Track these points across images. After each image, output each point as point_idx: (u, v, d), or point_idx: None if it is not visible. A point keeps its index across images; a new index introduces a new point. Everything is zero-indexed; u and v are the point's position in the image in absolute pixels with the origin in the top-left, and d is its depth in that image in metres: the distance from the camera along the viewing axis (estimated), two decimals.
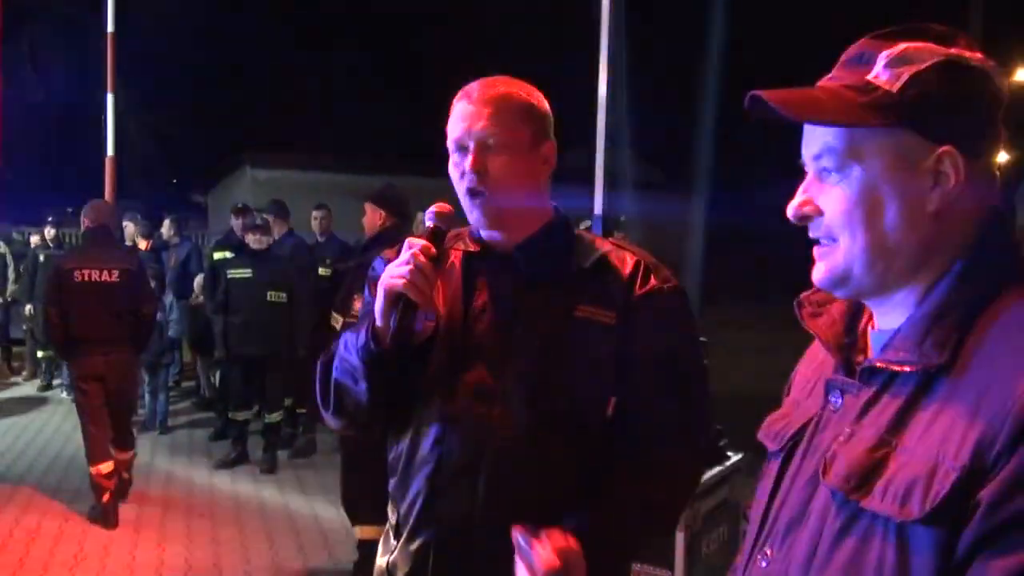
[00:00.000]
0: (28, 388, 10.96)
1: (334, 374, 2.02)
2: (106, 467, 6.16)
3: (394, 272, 1.84)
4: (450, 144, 1.98)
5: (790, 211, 1.24)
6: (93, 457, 6.16)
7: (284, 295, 7.70)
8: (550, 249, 2.01)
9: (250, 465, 7.74)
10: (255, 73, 28.72)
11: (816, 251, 1.23)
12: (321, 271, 8.37)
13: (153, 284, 8.77)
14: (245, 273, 7.73)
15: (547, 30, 23.41)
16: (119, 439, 6.39)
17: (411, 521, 1.99)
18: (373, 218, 5.50)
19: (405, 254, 1.86)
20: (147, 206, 16.87)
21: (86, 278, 6.15)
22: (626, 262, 2.00)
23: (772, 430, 1.40)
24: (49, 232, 11.23)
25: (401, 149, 24.35)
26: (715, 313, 12.04)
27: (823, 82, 1.23)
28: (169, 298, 9.05)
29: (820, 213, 1.20)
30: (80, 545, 5.83)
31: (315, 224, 9.12)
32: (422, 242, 1.88)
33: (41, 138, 23.93)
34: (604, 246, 2.05)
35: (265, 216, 8.64)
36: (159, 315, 8.70)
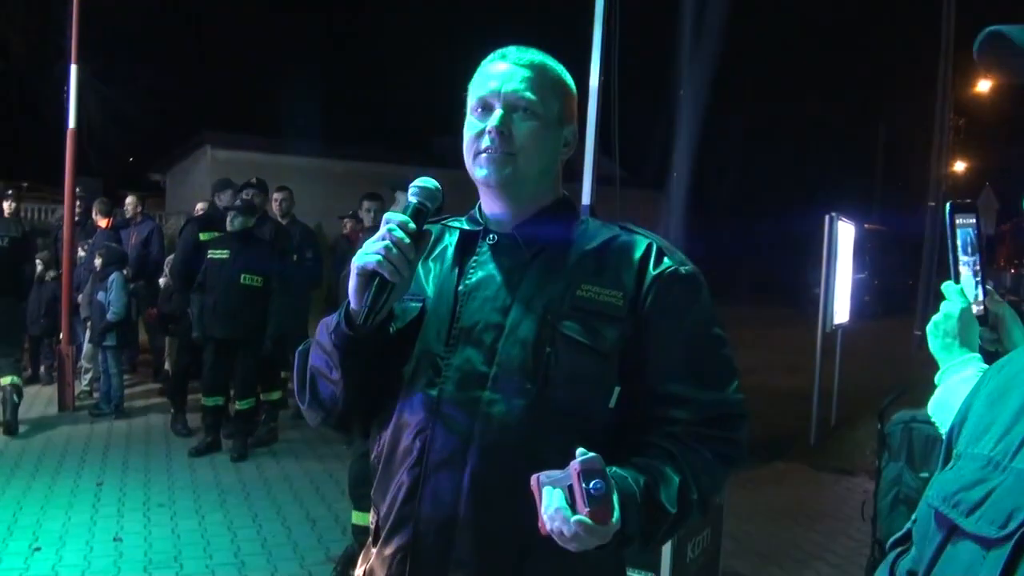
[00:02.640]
0: None
1: (310, 362, 1.84)
2: None
3: (368, 248, 1.67)
4: (472, 102, 1.81)
5: None
6: None
7: (259, 279, 7.50)
8: (554, 228, 1.84)
9: (209, 453, 7.60)
10: (216, 52, 28.32)
11: None
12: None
13: (99, 262, 8.68)
14: (222, 254, 7.54)
15: (534, 15, 23.15)
16: None
17: (389, 522, 1.79)
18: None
19: (381, 229, 1.69)
20: (106, 183, 16.58)
21: None
22: (637, 243, 1.83)
23: (964, 499, 1.09)
24: (10, 207, 10.87)
25: (364, 133, 24.14)
26: None
27: None
28: (112, 278, 8.70)
29: None
30: (35, 535, 5.61)
31: (276, 207, 8.90)
32: (401, 217, 1.70)
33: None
34: (612, 229, 1.88)
35: (248, 196, 8.28)
36: (100, 295, 8.54)
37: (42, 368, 10.36)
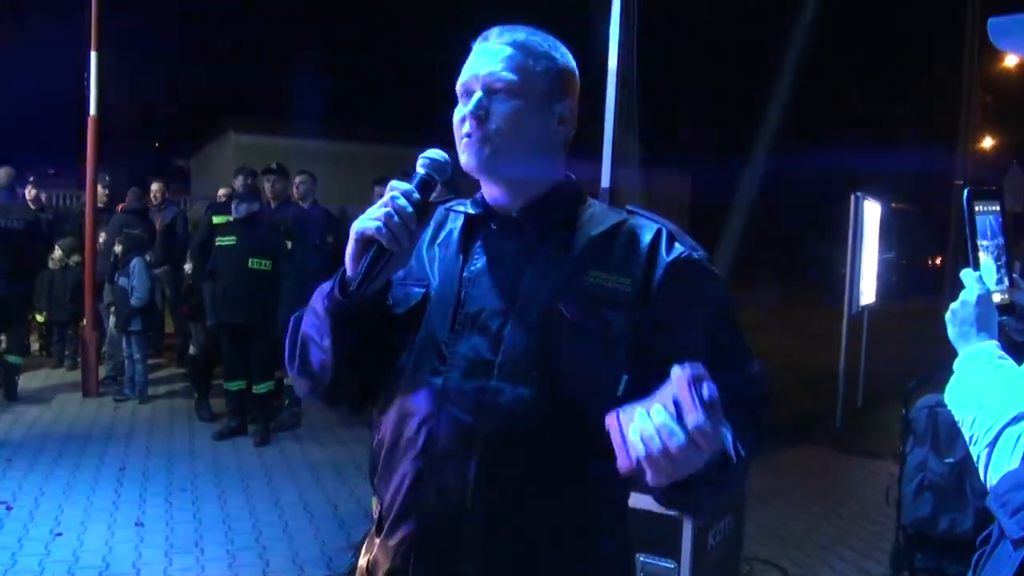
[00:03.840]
0: None
1: (302, 328, 1.79)
2: None
3: (369, 214, 1.62)
4: (458, 89, 1.77)
5: None
6: None
7: (268, 263, 7.50)
8: (559, 212, 1.78)
9: (233, 437, 7.62)
10: (242, 37, 28.36)
11: None
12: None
13: (119, 248, 8.85)
14: (230, 240, 7.54)
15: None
16: None
17: (393, 512, 1.75)
18: None
19: (384, 196, 1.64)
20: (130, 169, 16.65)
21: None
22: (646, 228, 1.77)
23: (1011, 500, 1.10)
24: (31, 192, 10.98)
25: (389, 116, 24.10)
26: None
27: None
28: (134, 263, 8.77)
29: None
30: (57, 520, 5.63)
31: (296, 190, 8.87)
32: (405, 185, 1.65)
33: (23, 97, 23.53)
34: (620, 213, 1.82)
35: (250, 182, 8.32)
36: (123, 280, 8.59)
37: (66, 353, 10.43)
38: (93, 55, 9.19)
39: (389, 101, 25.74)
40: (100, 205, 9.90)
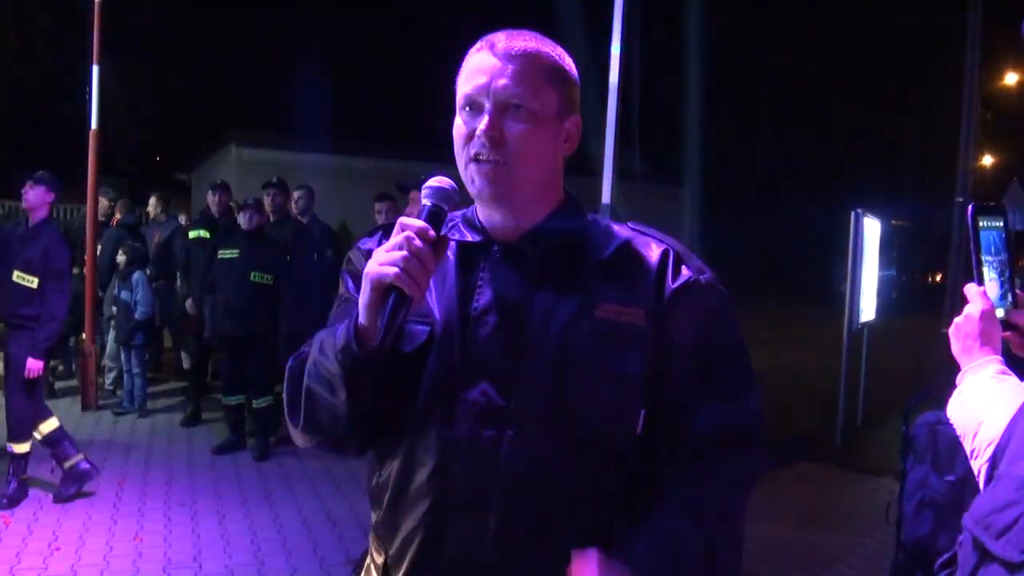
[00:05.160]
0: None
1: (306, 381, 1.66)
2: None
3: (384, 259, 1.50)
4: (459, 99, 1.65)
5: None
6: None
7: (270, 277, 7.52)
8: (563, 238, 1.69)
9: (232, 451, 7.62)
10: (242, 49, 28.41)
11: None
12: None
13: (122, 259, 8.82)
14: (232, 253, 7.55)
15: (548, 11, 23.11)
16: None
17: (406, 564, 1.67)
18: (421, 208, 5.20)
19: (398, 237, 1.50)
20: (131, 183, 16.67)
21: None
22: (652, 250, 1.70)
23: (994, 522, 1.09)
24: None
25: (391, 131, 24.12)
26: None
27: None
28: (136, 277, 8.83)
29: None
30: (55, 534, 5.62)
31: (294, 205, 8.90)
32: (419, 223, 1.52)
33: (24, 111, 23.57)
34: (623, 232, 1.73)
35: (256, 196, 8.35)
36: (125, 294, 8.60)
37: (60, 367, 10.43)
38: (94, 69, 9.22)
39: (391, 116, 25.76)
40: (102, 218, 9.92)
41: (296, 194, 8.94)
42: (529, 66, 1.62)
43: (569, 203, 1.75)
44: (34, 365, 5.99)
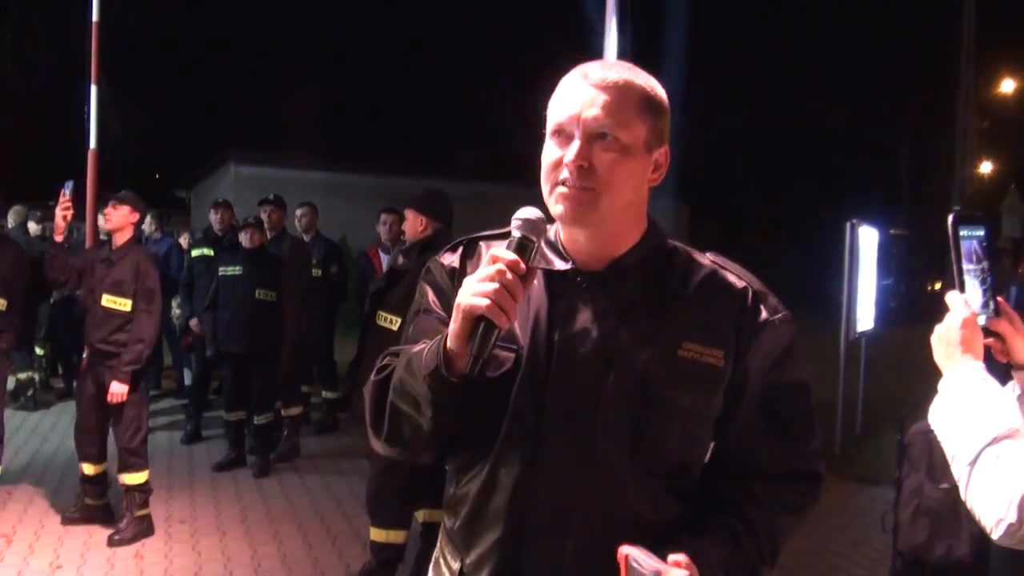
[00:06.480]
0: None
1: (391, 396, 1.71)
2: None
3: (475, 289, 1.53)
4: (549, 126, 1.68)
5: None
6: None
7: (273, 294, 7.55)
8: (649, 269, 1.73)
9: (232, 468, 7.63)
10: (241, 68, 28.53)
11: None
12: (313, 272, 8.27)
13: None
14: (235, 270, 7.58)
15: (546, 28, 23.18)
16: None
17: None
18: (415, 224, 5.22)
19: (489, 269, 1.54)
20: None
21: None
22: (732, 287, 1.76)
23: None
24: (33, 228, 11.01)
25: (388, 147, 24.20)
26: None
27: None
28: None
29: None
30: (56, 552, 5.64)
31: (298, 223, 8.95)
32: (510, 255, 1.55)
33: (23, 130, 23.65)
34: (704, 262, 1.79)
35: (257, 215, 8.38)
36: None
37: (74, 383, 10.47)
38: (93, 88, 9.25)
39: (388, 132, 25.85)
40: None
41: (299, 212, 8.99)
42: (620, 96, 1.65)
43: (654, 232, 1.78)
44: (117, 389, 5.74)
